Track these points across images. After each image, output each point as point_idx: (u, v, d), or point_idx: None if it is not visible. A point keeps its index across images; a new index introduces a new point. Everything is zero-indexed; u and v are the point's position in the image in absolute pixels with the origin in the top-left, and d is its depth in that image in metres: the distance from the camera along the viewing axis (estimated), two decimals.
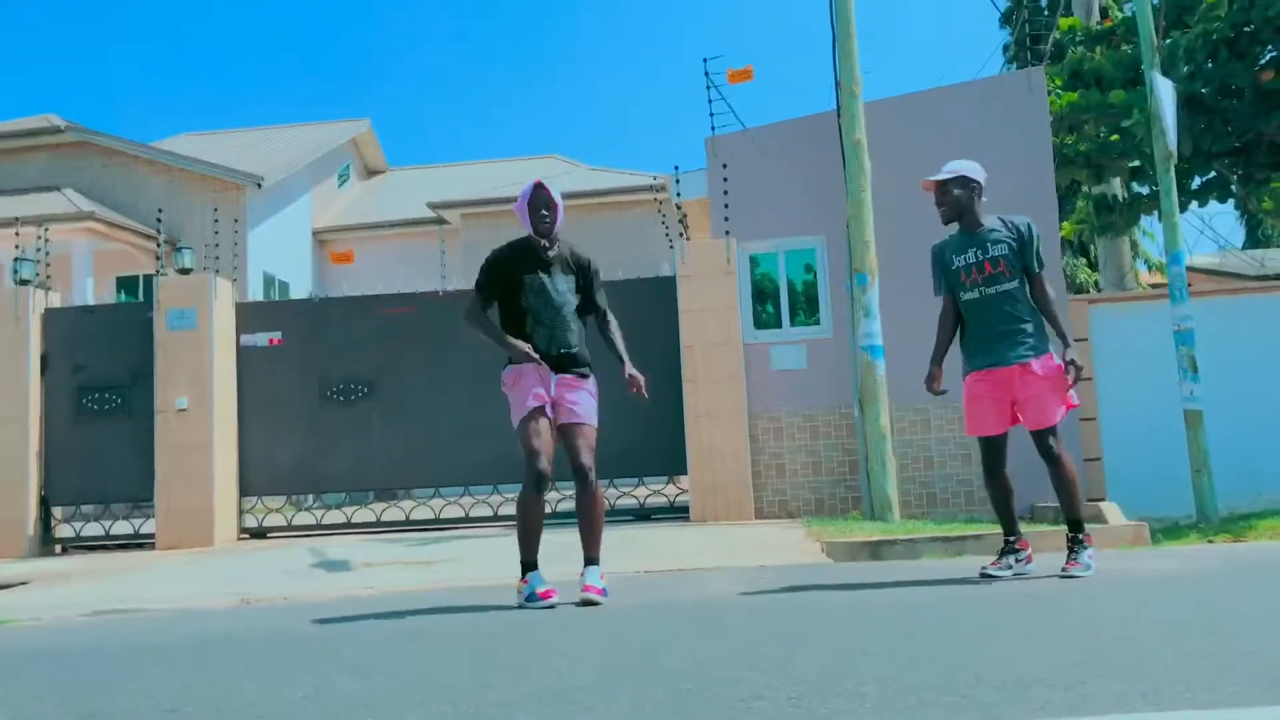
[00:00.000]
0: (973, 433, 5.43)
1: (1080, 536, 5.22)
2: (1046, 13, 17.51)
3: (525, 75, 69.82)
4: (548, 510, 5.41)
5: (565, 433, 5.05)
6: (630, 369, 5.21)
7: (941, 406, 10.10)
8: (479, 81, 68.98)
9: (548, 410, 5.02)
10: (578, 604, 4.88)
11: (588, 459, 4.99)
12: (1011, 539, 5.36)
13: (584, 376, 5.13)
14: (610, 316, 5.33)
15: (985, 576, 5.22)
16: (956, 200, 5.40)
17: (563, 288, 5.12)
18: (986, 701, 2.65)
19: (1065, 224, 14.69)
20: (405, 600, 5.83)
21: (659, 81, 70.05)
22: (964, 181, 5.40)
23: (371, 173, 25.52)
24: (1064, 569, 5.11)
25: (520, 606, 4.94)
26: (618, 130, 67.94)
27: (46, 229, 10.94)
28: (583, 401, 5.08)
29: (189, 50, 65.01)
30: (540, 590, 4.93)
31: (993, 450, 5.38)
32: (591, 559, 5.08)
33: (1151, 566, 5.82)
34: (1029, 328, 5.20)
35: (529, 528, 5.02)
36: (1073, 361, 5.11)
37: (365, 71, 67.56)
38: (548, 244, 5.13)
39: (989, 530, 8.01)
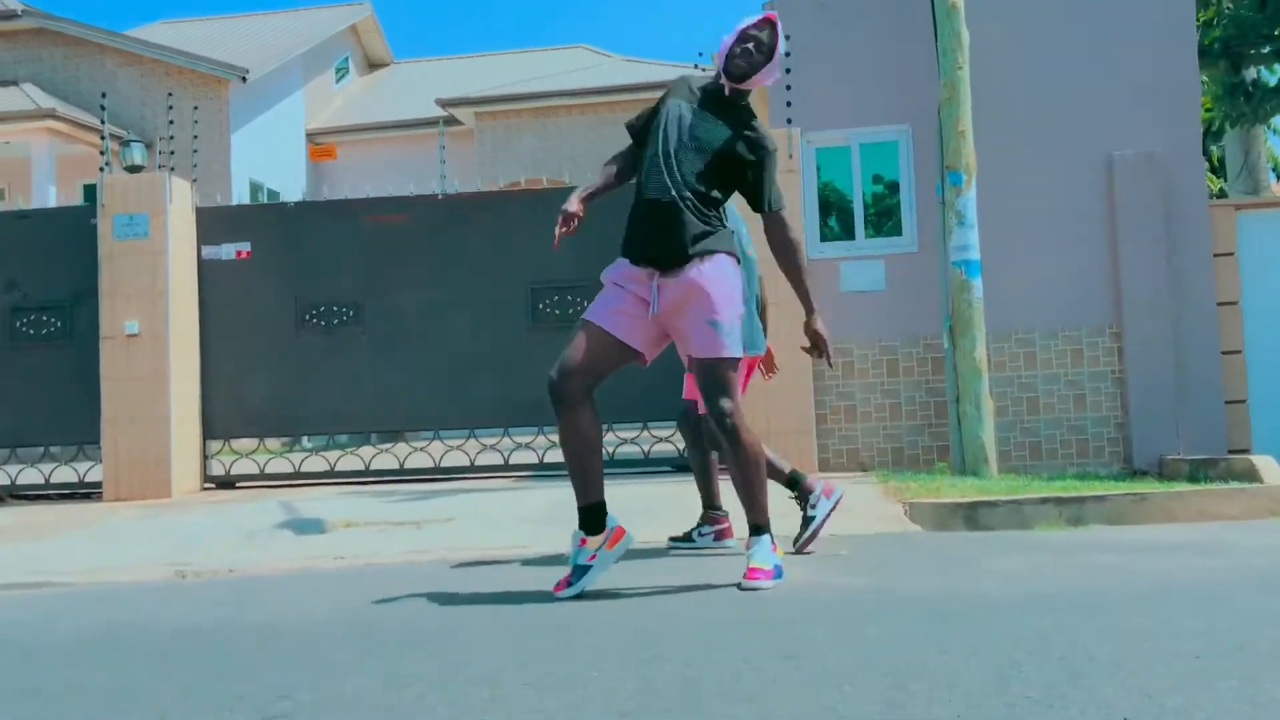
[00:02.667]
0: None
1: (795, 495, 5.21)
2: None
3: None
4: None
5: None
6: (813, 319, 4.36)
7: (1049, 337, 9.11)
8: None
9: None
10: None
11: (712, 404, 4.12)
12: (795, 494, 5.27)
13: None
14: (788, 224, 4.27)
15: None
16: None
17: (703, 133, 4.14)
18: None
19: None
20: (376, 578, 5.02)
21: None
22: None
23: (374, 65, 24.50)
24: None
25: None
26: (650, 18, 65.77)
27: None
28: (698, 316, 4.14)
29: None
30: (581, 559, 4.09)
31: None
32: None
33: None
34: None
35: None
36: None
37: None
38: (729, 92, 4.20)
39: (1114, 491, 7.07)
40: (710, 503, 5.49)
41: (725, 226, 4.19)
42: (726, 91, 4.21)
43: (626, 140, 4.49)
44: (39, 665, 3.40)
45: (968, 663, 2.73)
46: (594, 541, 4.09)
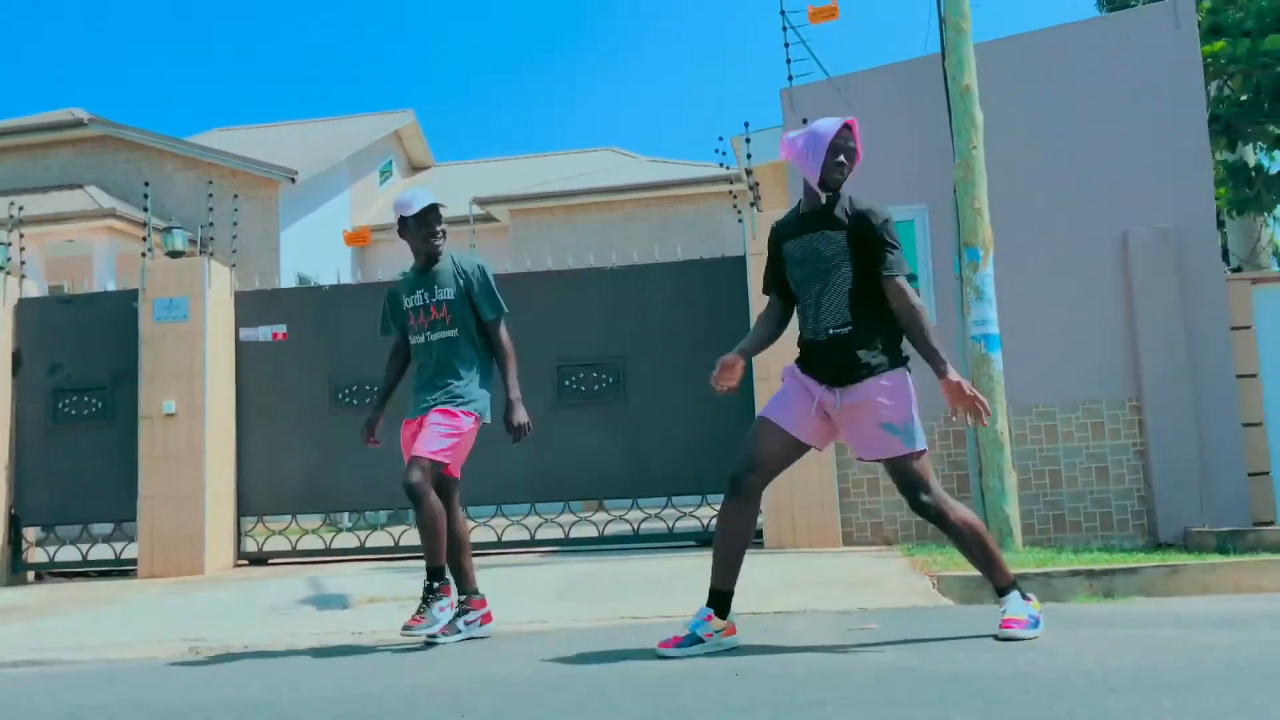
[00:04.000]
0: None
1: (436, 586, 4.70)
2: None
3: (579, 66, 68.73)
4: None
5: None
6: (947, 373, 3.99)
7: (1070, 410, 8.57)
8: (529, 73, 67.94)
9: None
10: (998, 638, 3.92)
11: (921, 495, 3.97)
12: (464, 597, 4.86)
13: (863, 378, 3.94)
14: (904, 287, 4.00)
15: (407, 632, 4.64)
16: (426, 244, 5.00)
17: (825, 249, 4.03)
18: None
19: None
20: (390, 653, 4.52)
21: (718, 67, 68.66)
22: (431, 214, 4.98)
23: (416, 168, 24.49)
24: (406, 626, 4.64)
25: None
26: (673, 122, 66.26)
27: (20, 208, 9.88)
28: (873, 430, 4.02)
29: (223, 45, 64.67)
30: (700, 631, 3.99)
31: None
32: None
33: None
34: (467, 379, 4.88)
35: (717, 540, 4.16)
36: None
37: (410, 63, 66.90)
38: (825, 200, 4.05)
39: (1145, 563, 6.49)
40: (464, 586, 4.97)
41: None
42: (824, 200, 4.03)
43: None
44: None
45: None
46: (717, 624, 4.02)
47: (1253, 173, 12.86)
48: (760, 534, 8.37)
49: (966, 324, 8.06)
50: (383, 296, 5.35)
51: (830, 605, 5.48)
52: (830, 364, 3.96)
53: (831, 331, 3.96)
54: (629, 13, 70.26)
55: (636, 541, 8.91)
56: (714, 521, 8.57)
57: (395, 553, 8.98)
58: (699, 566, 6.85)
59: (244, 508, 9.14)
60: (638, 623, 5.22)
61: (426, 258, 5.01)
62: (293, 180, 18.42)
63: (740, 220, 8.90)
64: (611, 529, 9.15)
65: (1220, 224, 17.05)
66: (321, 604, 6.61)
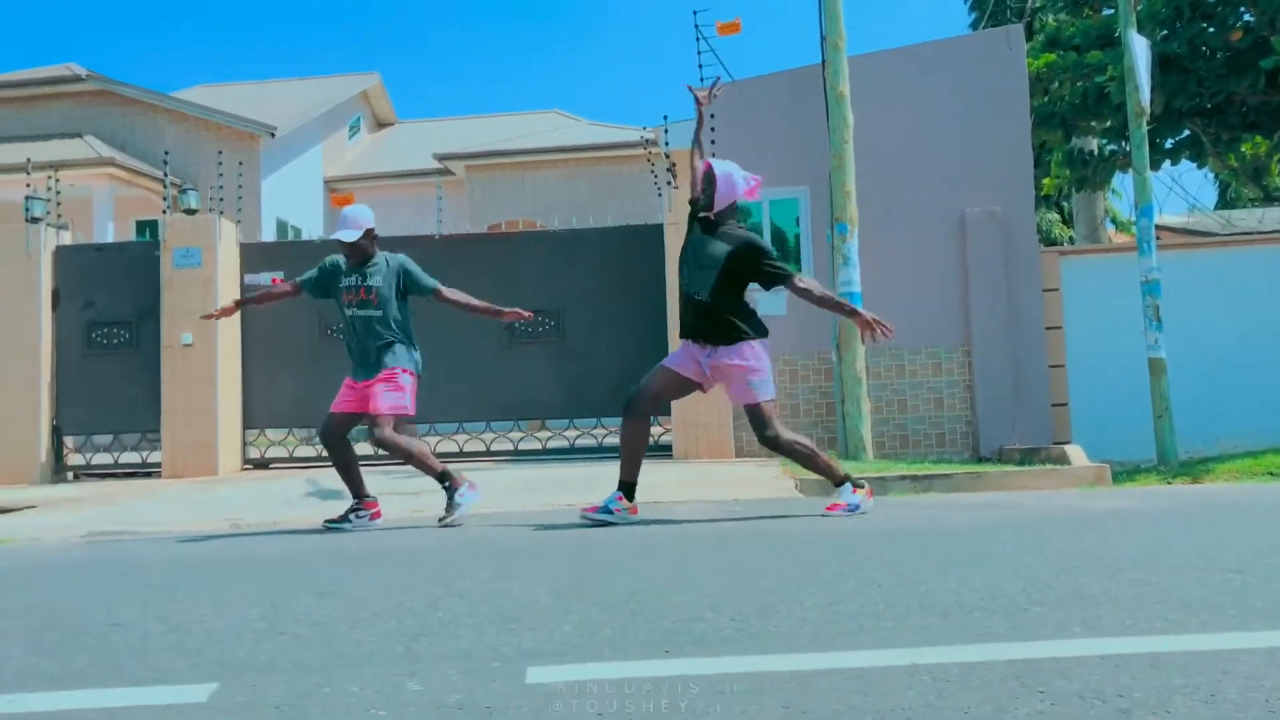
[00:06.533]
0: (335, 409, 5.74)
1: (446, 485, 5.62)
2: None
3: (532, 31, 68.64)
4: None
5: None
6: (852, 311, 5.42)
7: (915, 353, 9.92)
8: (487, 37, 67.79)
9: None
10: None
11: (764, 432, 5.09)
12: (358, 500, 5.75)
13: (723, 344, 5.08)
14: (798, 281, 5.16)
15: (329, 527, 5.63)
16: (364, 247, 5.70)
17: (710, 250, 5.07)
18: (925, 625, 2.50)
19: (1046, 180, 14.41)
20: (390, 525, 5.70)
21: (657, 35, 68.96)
22: (370, 233, 5.72)
23: (381, 125, 25.08)
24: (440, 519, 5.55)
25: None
26: (616, 84, 66.78)
27: (57, 170, 10.68)
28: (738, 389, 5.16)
29: (206, 5, 63.75)
30: (612, 506, 5.15)
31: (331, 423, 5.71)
32: None
33: (1108, 505, 5.66)
34: (385, 350, 5.61)
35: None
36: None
37: (377, 25, 66.34)
38: (712, 216, 5.17)
39: (957, 470, 7.86)
40: (358, 493, 5.77)
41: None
42: (709, 217, 5.20)
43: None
44: (144, 579, 4.08)
45: (796, 564, 3.49)
46: (625, 504, 5.15)
47: (1089, 156, 14.24)
48: (670, 447, 9.66)
49: (836, 283, 9.31)
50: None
51: (712, 497, 6.75)
52: (705, 332, 5.09)
53: (696, 298, 5.06)
54: None
55: (573, 453, 10.14)
56: None
57: (373, 460, 10.09)
58: (617, 473, 8.10)
59: (249, 422, 10.19)
60: (571, 508, 6.45)
61: (363, 258, 5.75)
62: (272, 135, 19.05)
63: (660, 195, 10.02)
64: (552, 444, 10.37)
65: (1065, 199, 18.57)
66: (322, 496, 7.73)
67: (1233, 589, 2.81)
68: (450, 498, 5.57)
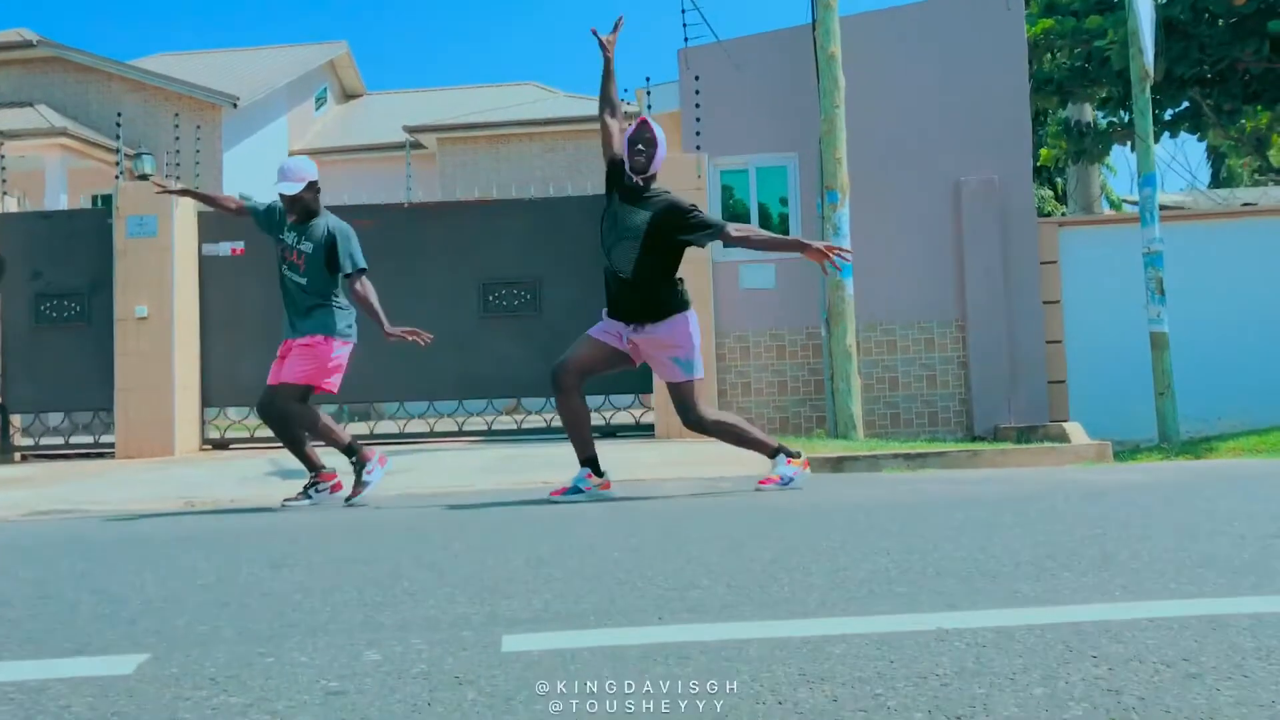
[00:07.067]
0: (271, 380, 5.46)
1: (352, 461, 5.38)
2: None
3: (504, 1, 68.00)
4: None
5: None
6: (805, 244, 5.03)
7: (907, 328, 9.76)
8: (458, 5, 67.10)
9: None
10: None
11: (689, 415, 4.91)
12: (314, 474, 5.49)
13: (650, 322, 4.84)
14: (731, 232, 4.88)
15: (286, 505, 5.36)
16: (306, 203, 5.35)
17: (631, 222, 4.76)
18: (945, 589, 2.30)
19: (1043, 151, 14.27)
20: (350, 505, 5.47)
21: (633, 8, 68.42)
22: (314, 185, 5.37)
23: (349, 96, 24.68)
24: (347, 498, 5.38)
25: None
26: (593, 53, 66.38)
27: (5, 140, 10.31)
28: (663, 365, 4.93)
29: None
30: (581, 484, 4.99)
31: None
32: None
33: (1117, 479, 5.50)
34: (313, 311, 5.34)
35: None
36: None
37: None
38: (640, 181, 4.81)
39: (953, 448, 7.70)
40: (312, 466, 5.52)
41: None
42: (639, 181, 4.82)
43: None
44: (85, 553, 3.84)
45: (795, 533, 3.29)
46: (595, 480, 4.98)
47: (1085, 127, 14.12)
48: (651, 427, 9.45)
49: None
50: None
51: (698, 475, 6.55)
52: (625, 309, 4.85)
53: (620, 274, 4.80)
54: None
55: (549, 434, 9.90)
56: (615, 417, 9.68)
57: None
58: (600, 452, 7.89)
59: (208, 400, 9.90)
60: (545, 486, 6.23)
61: (304, 215, 5.40)
62: (235, 105, 18.65)
63: None
64: (528, 424, 10.15)
65: (1061, 171, 18.46)
66: (284, 476, 7.47)
67: (1278, 552, 2.64)
68: (358, 474, 5.31)
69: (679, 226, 4.76)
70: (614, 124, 5.00)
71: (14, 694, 1.72)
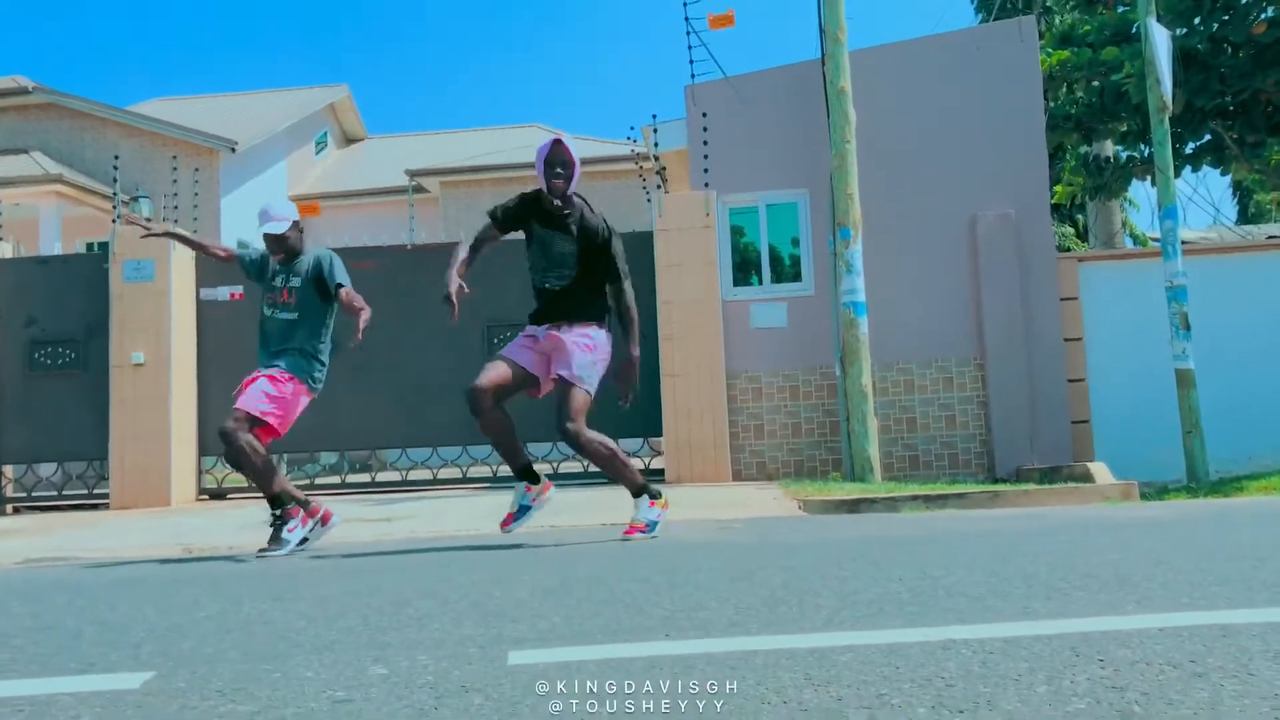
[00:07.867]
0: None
1: (278, 512, 5.36)
2: None
3: (507, 41, 69.08)
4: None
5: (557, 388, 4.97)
6: (633, 350, 5.04)
7: (925, 367, 9.82)
8: (460, 49, 68.18)
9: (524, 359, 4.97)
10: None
11: (565, 422, 4.83)
12: (278, 511, 5.42)
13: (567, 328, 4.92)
14: (624, 290, 5.02)
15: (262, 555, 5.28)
16: (292, 242, 5.48)
17: (561, 248, 4.93)
18: (956, 608, 2.37)
19: (1058, 187, 14.40)
20: (354, 549, 5.53)
21: (639, 40, 69.43)
22: (298, 224, 5.54)
23: (350, 140, 25.05)
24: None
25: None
26: (598, 94, 67.18)
27: (0, 188, 10.53)
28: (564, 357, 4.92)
29: (163, 13, 63.97)
30: (525, 501, 5.06)
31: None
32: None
33: (1142, 515, 5.54)
34: (284, 355, 5.45)
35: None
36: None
37: (345, 37, 66.66)
38: (560, 202, 4.95)
39: (974, 489, 7.74)
40: (297, 501, 5.54)
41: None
42: (560, 203, 4.94)
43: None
44: (82, 593, 3.91)
45: (806, 563, 3.35)
46: (533, 490, 4.95)
47: (1105, 162, 14.26)
48: (661, 471, 9.51)
49: (839, 292, 9.24)
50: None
51: (711, 517, 6.60)
52: (551, 313, 4.94)
53: (548, 286, 4.94)
54: None
55: (556, 479, 9.90)
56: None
57: (342, 489, 9.95)
58: (607, 496, 7.98)
59: (205, 448, 9.99)
60: (553, 530, 6.29)
61: (287, 256, 5.56)
62: (233, 150, 18.96)
63: (649, 200, 9.94)
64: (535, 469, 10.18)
65: (1081, 208, 18.59)
66: None
67: None
68: (278, 530, 5.29)
69: (608, 257, 4.96)
70: (486, 244, 5.23)
71: (23, 706, 1.79)
